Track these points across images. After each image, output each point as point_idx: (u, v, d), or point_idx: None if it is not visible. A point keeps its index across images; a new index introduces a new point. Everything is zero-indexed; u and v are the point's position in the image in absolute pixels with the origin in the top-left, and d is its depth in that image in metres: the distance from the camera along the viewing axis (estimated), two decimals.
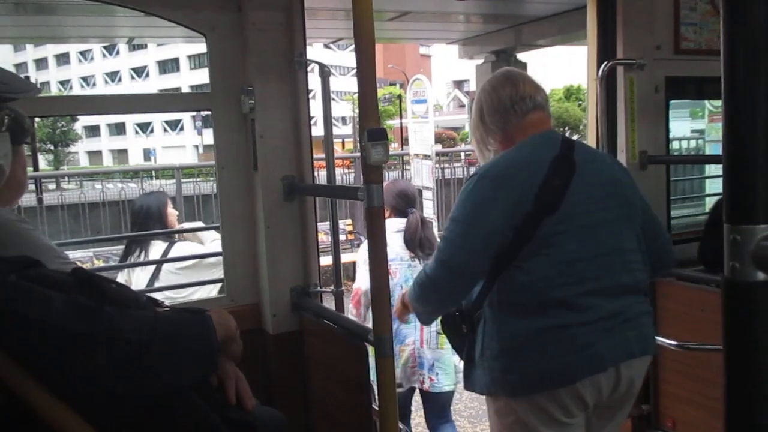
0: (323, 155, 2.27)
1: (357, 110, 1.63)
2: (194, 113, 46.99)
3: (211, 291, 3.47)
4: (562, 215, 1.79)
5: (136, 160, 58.71)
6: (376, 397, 1.62)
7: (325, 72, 2.12)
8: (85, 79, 62.32)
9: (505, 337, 1.80)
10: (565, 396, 1.76)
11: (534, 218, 1.78)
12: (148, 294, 1.73)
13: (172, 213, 3.87)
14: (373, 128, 1.50)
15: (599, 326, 1.78)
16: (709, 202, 3.35)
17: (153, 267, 3.59)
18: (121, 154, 62.13)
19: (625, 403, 1.93)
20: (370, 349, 1.66)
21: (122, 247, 3.92)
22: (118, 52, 59.51)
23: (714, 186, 3.41)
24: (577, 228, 1.81)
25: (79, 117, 48.76)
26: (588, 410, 1.84)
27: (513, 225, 1.77)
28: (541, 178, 1.81)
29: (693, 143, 4.01)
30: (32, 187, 9.11)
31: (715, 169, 3.29)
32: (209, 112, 2.18)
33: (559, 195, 1.80)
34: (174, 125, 60.67)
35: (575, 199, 1.81)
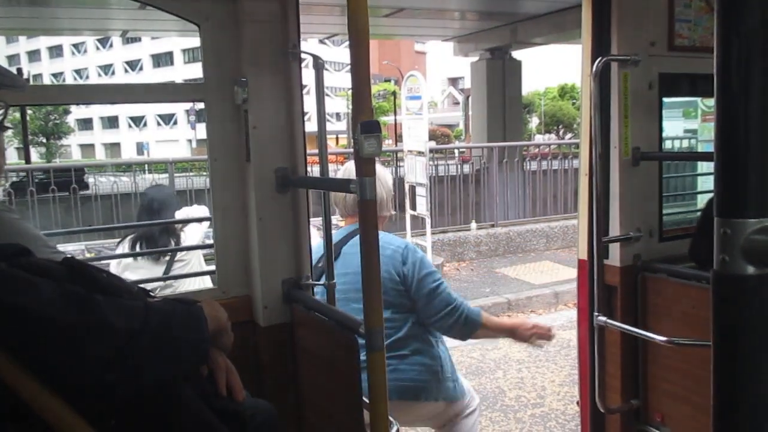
0: (317, 151, 2.26)
1: (351, 106, 1.63)
2: (188, 108, 46.83)
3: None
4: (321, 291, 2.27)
5: (128, 153, 58.49)
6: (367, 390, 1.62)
7: (318, 64, 2.11)
8: (78, 71, 61.97)
9: None
10: None
11: None
12: (139, 284, 1.73)
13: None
14: (366, 121, 1.49)
15: None
16: (701, 200, 3.36)
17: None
18: (113, 147, 61.88)
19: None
20: None
21: (113, 240, 3.97)
22: (111, 45, 59.25)
23: (706, 184, 3.42)
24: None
25: (71, 110, 48.53)
26: None
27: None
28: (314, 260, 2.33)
29: (686, 143, 4.02)
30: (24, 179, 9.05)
31: (707, 167, 3.30)
32: (202, 105, 2.17)
33: (319, 274, 2.33)
34: (167, 119, 60.46)
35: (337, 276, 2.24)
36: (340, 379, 1.91)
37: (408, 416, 2.47)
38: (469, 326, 2.52)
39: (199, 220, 3.96)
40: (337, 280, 2.26)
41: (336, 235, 2.51)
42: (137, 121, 61.63)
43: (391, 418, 1.65)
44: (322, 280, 2.24)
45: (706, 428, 0.88)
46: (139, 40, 53.66)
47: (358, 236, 2.19)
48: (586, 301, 2.65)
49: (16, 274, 1.06)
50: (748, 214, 0.81)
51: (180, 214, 3.93)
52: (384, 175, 2.71)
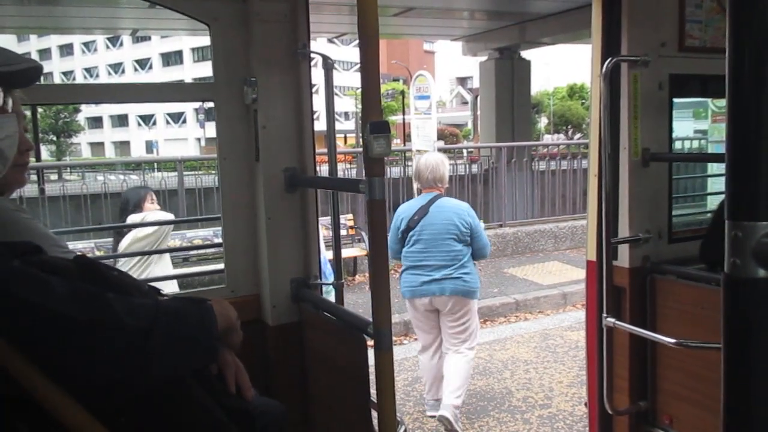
0: (325, 150, 2.26)
1: (360, 105, 1.63)
2: (197, 106, 47.00)
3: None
4: (417, 232, 4.20)
5: (138, 152, 58.75)
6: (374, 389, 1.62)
7: (328, 64, 2.12)
8: (88, 70, 62.26)
9: (404, 275, 4.31)
10: (414, 303, 4.28)
11: (405, 233, 4.26)
12: (149, 283, 1.73)
13: (149, 207, 4.14)
14: (375, 121, 1.49)
15: (424, 279, 4.16)
16: (711, 201, 3.34)
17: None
18: (123, 145, 62.17)
19: (452, 314, 4.22)
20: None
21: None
22: (121, 44, 59.47)
23: (716, 185, 3.40)
24: (423, 239, 4.19)
25: (81, 108, 48.74)
26: (436, 314, 4.28)
27: (399, 236, 4.29)
28: (410, 215, 4.26)
29: (696, 143, 4.00)
30: (34, 177, 9.09)
31: (717, 168, 3.29)
32: (212, 104, 2.18)
33: (417, 222, 4.21)
34: (176, 118, 60.66)
35: (425, 224, 4.19)
36: (349, 378, 1.92)
37: (463, 308, 4.20)
38: (486, 256, 4.53)
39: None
40: (427, 228, 4.18)
41: (415, 202, 4.39)
42: (147, 119, 61.88)
43: (398, 417, 1.65)
44: (410, 243, 4.25)
45: (715, 431, 0.87)
46: (149, 38, 53.86)
47: (440, 199, 4.26)
48: (594, 302, 2.64)
49: (29, 272, 1.07)
50: (759, 216, 0.81)
51: (135, 218, 4.17)
52: (442, 157, 4.57)
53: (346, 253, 8.21)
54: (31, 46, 61.28)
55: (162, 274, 4.09)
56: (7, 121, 1.22)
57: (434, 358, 4.37)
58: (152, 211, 4.28)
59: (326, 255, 3.91)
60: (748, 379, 0.84)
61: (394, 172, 10.49)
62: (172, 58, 59.69)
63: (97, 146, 63.27)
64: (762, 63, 0.80)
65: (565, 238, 9.88)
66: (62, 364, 1.06)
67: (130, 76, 59.81)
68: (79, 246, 6.47)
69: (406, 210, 4.33)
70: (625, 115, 2.51)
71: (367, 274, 7.70)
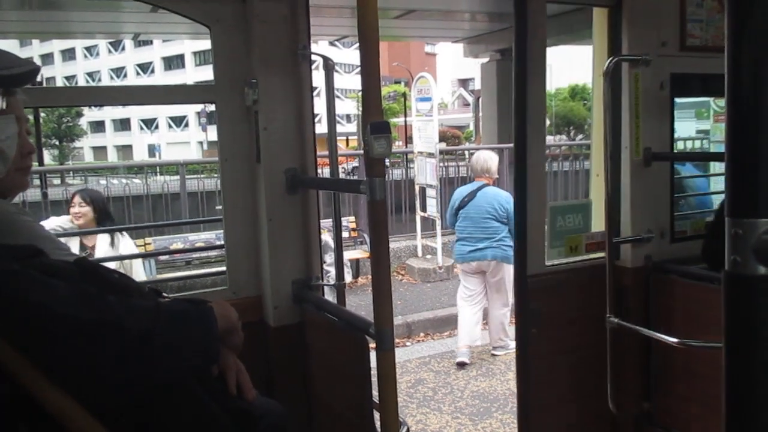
0: (327, 152, 2.26)
1: (361, 107, 1.63)
2: (199, 110, 47.07)
3: None
4: (466, 211, 5.58)
5: (140, 156, 58.81)
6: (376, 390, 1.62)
7: (329, 65, 2.12)
8: (90, 74, 62.39)
9: (457, 245, 5.72)
10: (464, 266, 5.70)
11: (457, 210, 5.65)
12: (150, 285, 1.73)
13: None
14: (376, 121, 1.50)
15: (470, 249, 5.53)
16: (713, 200, 3.34)
17: None
18: (125, 149, 62.24)
19: (493, 275, 5.55)
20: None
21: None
22: (123, 48, 59.55)
23: (718, 185, 3.40)
24: (470, 216, 5.54)
25: (84, 112, 48.87)
26: (483, 275, 5.64)
27: (454, 211, 5.71)
28: (462, 197, 5.66)
29: (698, 143, 4.00)
30: (37, 181, 9.12)
31: (719, 168, 3.28)
32: (213, 106, 2.18)
33: (466, 203, 5.59)
34: (178, 122, 60.75)
35: (471, 206, 5.55)
36: (351, 379, 1.91)
37: (502, 270, 5.46)
38: None
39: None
40: (472, 209, 5.51)
41: (468, 187, 5.79)
42: (149, 123, 61.97)
43: (401, 419, 1.64)
44: (460, 219, 5.67)
45: (717, 430, 0.87)
46: (151, 43, 53.99)
47: (486, 187, 5.66)
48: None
49: (31, 274, 1.07)
50: (759, 214, 0.80)
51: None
52: (491, 154, 5.82)
53: (349, 255, 8.21)
54: (34, 50, 61.37)
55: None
56: (6, 122, 1.23)
57: (474, 308, 5.66)
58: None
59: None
60: (750, 377, 0.84)
61: (396, 174, 10.48)
62: (174, 62, 59.78)
63: (100, 150, 63.34)
64: (760, 61, 0.80)
65: None
66: (63, 365, 1.06)
67: (133, 80, 59.89)
68: None
69: (460, 192, 5.80)
70: (626, 115, 2.51)
71: (369, 276, 7.70)
